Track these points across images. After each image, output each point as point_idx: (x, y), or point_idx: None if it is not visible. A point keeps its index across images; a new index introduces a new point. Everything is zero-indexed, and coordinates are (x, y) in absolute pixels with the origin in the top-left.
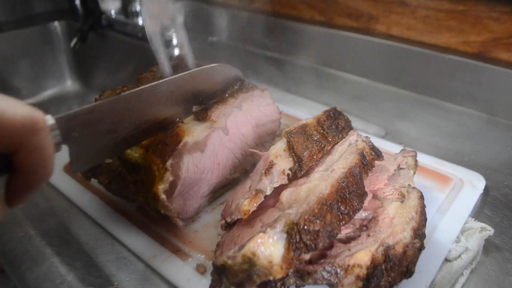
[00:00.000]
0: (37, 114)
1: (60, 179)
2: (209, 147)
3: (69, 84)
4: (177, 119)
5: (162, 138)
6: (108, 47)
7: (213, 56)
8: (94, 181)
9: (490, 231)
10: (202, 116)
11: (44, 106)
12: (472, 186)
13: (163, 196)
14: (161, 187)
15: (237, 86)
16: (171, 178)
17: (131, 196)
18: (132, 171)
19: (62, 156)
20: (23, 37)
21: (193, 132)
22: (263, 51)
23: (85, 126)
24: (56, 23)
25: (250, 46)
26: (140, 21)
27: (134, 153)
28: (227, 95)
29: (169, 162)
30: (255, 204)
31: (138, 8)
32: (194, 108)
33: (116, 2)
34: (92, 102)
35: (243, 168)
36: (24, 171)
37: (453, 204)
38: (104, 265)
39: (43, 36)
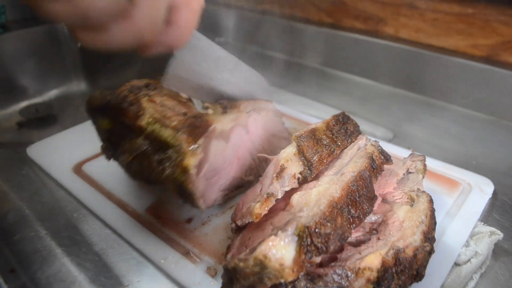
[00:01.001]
0: None
1: (70, 180)
2: (232, 139)
3: (76, 84)
4: (206, 108)
5: (192, 122)
6: None
7: None
8: (103, 181)
9: (499, 235)
10: (231, 106)
11: (50, 105)
12: (480, 190)
13: (193, 171)
14: (192, 161)
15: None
16: (201, 155)
17: (154, 175)
18: (159, 150)
19: (71, 158)
20: (30, 36)
21: (221, 120)
22: (271, 52)
23: (193, 50)
24: (63, 23)
25: (257, 48)
26: None
27: (163, 133)
28: (248, 100)
29: (201, 140)
30: (266, 208)
31: None
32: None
33: None
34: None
35: (257, 172)
36: (179, 25)
37: (461, 208)
38: (114, 265)
39: (50, 36)
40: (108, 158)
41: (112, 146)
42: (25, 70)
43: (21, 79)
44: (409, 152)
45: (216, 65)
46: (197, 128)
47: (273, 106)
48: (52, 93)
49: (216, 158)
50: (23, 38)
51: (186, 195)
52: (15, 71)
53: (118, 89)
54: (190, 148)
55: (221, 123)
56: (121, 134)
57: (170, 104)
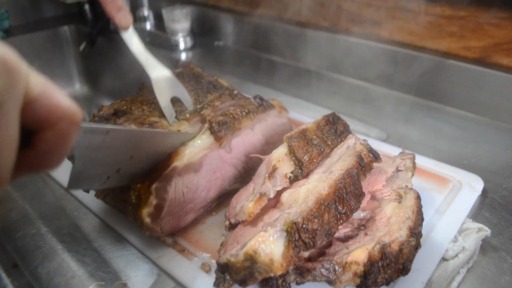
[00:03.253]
0: (79, 111)
1: None
2: (205, 166)
3: (78, 87)
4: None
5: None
6: (116, 51)
7: (220, 60)
8: None
9: (487, 231)
10: (217, 138)
11: None
12: (470, 187)
13: (147, 220)
14: (145, 211)
15: (257, 103)
16: (154, 202)
17: (124, 212)
18: (123, 190)
19: None
20: (33, 41)
21: (185, 155)
22: (268, 55)
23: (96, 147)
24: (65, 27)
25: (255, 51)
26: (147, 26)
27: None
28: (245, 112)
29: (153, 186)
30: (259, 207)
31: (146, 13)
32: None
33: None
34: (99, 106)
35: (243, 180)
36: (41, 151)
37: (451, 205)
38: (112, 261)
39: (52, 40)
40: (86, 191)
41: None
42: None
43: None
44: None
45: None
46: (156, 170)
47: (280, 116)
48: None
49: (182, 193)
50: (26, 42)
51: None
52: None
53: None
54: (144, 196)
55: (185, 158)
56: None
57: None
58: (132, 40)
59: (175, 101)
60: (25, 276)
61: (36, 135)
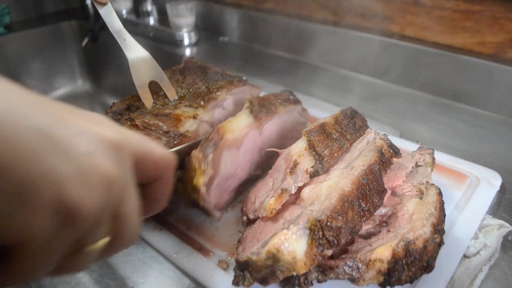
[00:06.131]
0: (173, 157)
1: None
2: (244, 145)
3: (80, 84)
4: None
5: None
6: (119, 47)
7: (225, 56)
8: None
9: (508, 228)
10: (257, 117)
11: None
12: (488, 183)
13: (204, 189)
14: (202, 181)
15: (291, 97)
16: (211, 172)
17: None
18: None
19: None
20: (34, 37)
21: (234, 130)
22: (275, 51)
23: None
24: (67, 23)
25: (261, 46)
26: (151, 21)
27: None
28: (279, 101)
29: (210, 157)
30: (280, 203)
31: (149, 8)
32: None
33: (128, 2)
34: (102, 102)
35: (263, 166)
36: (151, 200)
37: (470, 201)
38: (119, 267)
39: (54, 36)
40: None
41: None
42: (29, 70)
43: (25, 79)
44: (417, 145)
45: None
46: (209, 140)
47: (299, 108)
48: (57, 94)
49: (228, 167)
50: (28, 38)
51: (200, 208)
52: (19, 72)
53: None
54: (199, 165)
55: (234, 132)
56: None
57: (153, 123)
58: (111, 17)
59: (154, 86)
60: (28, 283)
61: (146, 188)
